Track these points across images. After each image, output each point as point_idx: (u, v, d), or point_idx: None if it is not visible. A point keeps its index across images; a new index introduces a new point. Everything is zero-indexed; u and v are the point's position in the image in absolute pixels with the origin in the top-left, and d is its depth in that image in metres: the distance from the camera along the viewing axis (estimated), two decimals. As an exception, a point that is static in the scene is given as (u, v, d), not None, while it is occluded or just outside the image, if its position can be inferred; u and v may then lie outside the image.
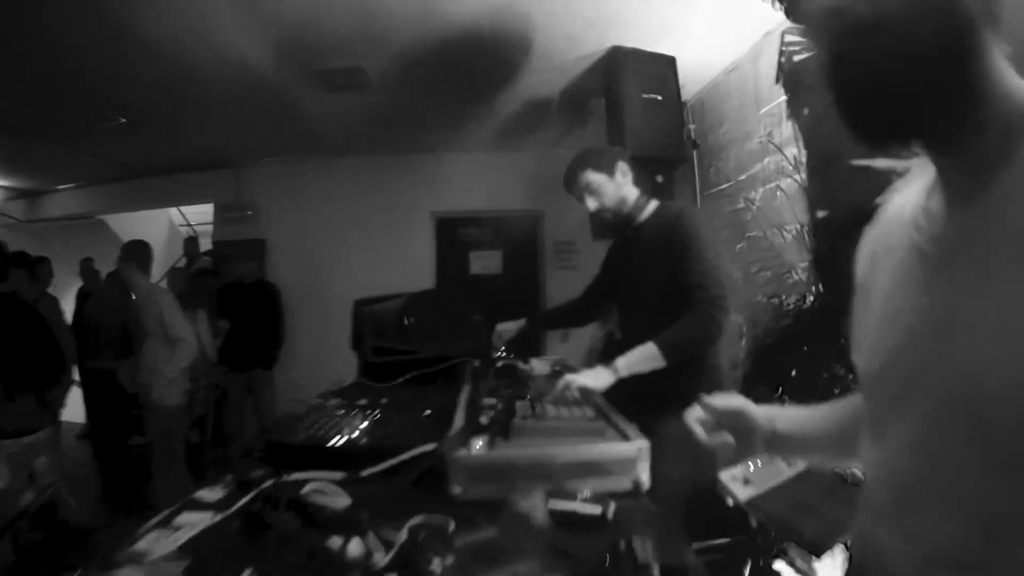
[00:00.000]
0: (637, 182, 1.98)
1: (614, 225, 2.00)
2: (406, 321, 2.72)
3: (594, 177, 1.90)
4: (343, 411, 1.72)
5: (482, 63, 3.45)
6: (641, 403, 1.86)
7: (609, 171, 1.91)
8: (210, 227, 5.87)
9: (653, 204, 1.97)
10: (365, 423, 1.58)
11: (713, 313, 1.68)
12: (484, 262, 5.69)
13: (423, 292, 3.04)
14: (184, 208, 6.53)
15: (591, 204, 1.92)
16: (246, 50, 3.16)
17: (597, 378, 1.67)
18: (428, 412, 1.69)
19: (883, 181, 2.21)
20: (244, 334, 4.47)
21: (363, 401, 1.86)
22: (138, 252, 3.54)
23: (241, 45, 3.10)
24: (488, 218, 5.68)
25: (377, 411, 1.71)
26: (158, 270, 4.38)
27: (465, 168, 5.48)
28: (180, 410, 3.48)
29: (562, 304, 2.47)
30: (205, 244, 5.94)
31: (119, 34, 2.90)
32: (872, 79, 0.53)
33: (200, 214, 6.32)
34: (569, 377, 1.67)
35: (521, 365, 2.18)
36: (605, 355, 2.05)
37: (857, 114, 0.56)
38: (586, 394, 1.65)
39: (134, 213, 6.43)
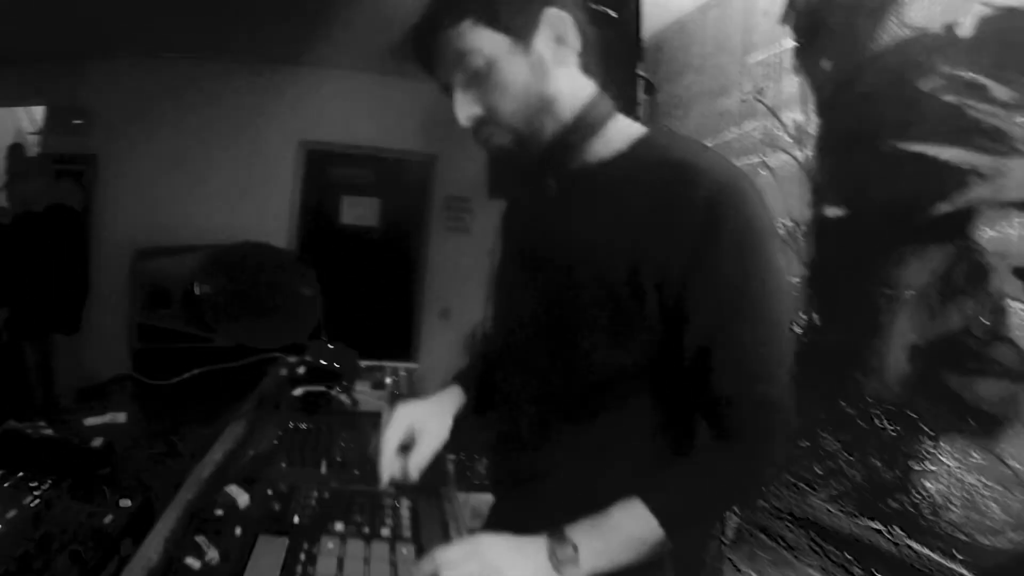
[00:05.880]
0: (590, 69, 0.83)
1: (523, 158, 0.81)
2: (197, 290, 1.87)
3: (481, 40, 0.74)
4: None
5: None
6: None
7: (520, 30, 0.75)
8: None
9: (630, 128, 0.82)
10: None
11: (773, 450, 0.73)
12: (359, 210, 4.67)
13: (227, 248, 2.03)
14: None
15: (465, 107, 0.78)
16: None
17: None
18: (126, 503, 0.93)
19: (952, 180, 1.47)
20: (27, 287, 3.04)
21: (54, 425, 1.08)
22: None
23: None
24: (369, 157, 4.67)
25: (42, 493, 0.91)
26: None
27: (349, 91, 4.48)
28: None
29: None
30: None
31: None
32: None
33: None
34: (440, 560, 0.68)
35: (341, 396, 1.39)
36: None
37: None
38: None
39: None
